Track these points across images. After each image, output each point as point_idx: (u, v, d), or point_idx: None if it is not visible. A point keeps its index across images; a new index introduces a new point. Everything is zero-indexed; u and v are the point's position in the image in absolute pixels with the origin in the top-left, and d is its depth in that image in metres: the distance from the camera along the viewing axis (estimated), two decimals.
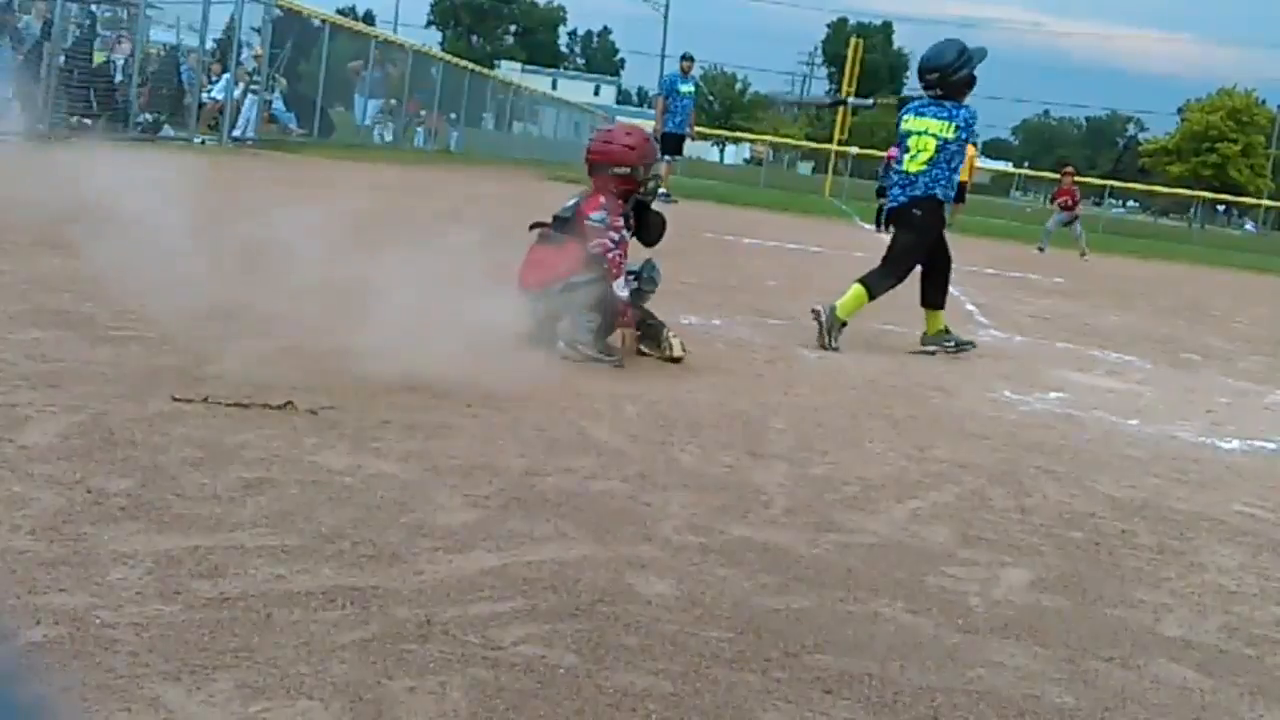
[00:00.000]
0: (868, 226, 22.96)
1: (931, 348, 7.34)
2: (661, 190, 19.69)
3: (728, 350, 6.52)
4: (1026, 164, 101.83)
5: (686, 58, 21.82)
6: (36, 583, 2.49)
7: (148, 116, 18.45)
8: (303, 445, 3.68)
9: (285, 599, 2.57)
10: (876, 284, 7.19)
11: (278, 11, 21.66)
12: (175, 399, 3.96)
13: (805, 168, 79.68)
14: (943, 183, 7.21)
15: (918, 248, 7.33)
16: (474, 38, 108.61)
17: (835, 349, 6.92)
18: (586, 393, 4.96)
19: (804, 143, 69.06)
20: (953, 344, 7.39)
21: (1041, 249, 22.25)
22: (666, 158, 19.84)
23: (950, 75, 7.16)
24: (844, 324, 7.04)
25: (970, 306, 10.51)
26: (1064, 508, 4.15)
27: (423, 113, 31.86)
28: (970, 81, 7.23)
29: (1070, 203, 23.13)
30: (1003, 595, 3.21)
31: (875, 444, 4.77)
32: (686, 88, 21.45)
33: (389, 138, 29.42)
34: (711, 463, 4.14)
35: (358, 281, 5.00)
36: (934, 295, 7.41)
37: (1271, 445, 5.80)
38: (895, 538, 3.58)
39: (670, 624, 2.72)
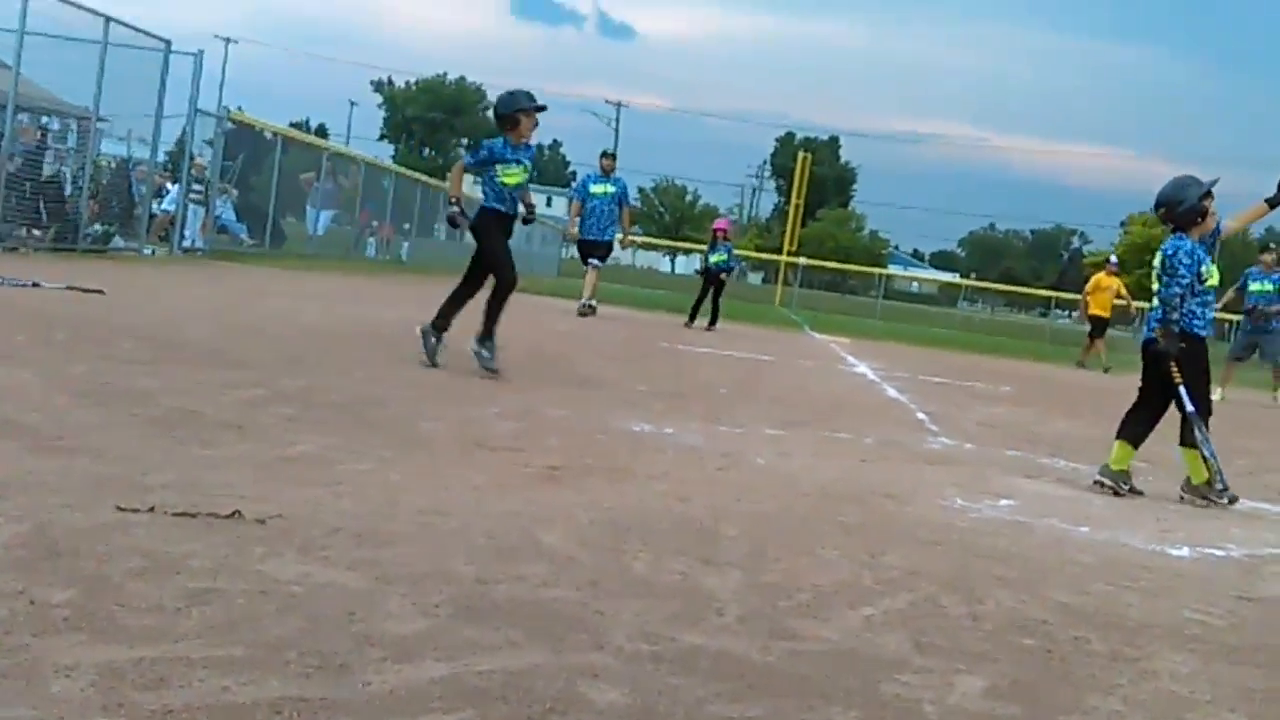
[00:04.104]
0: (818, 335, 23.18)
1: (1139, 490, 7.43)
2: (587, 300, 19.37)
3: (679, 457, 6.52)
4: (973, 275, 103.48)
5: (605, 155, 19.69)
6: None
7: (98, 228, 18.44)
8: (250, 554, 3.62)
9: (230, 711, 2.52)
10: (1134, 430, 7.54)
11: (230, 125, 21.83)
12: (120, 508, 3.90)
13: (755, 278, 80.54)
14: (1163, 312, 7.33)
15: (1151, 382, 7.71)
16: (426, 150, 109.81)
17: (1125, 491, 7.27)
18: (537, 499, 4.94)
19: (754, 254, 69.79)
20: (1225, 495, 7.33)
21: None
22: (589, 263, 18.84)
23: (1173, 209, 7.35)
24: (1123, 473, 7.35)
25: (920, 415, 10.59)
26: (1016, 614, 4.15)
27: (375, 223, 32.06)
28: (1193, 214, 7.29)
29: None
30: (957, 703, 3.19)
31: (828, 550, 4.76)
32: (601, 188, 18.95)
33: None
34: (664, 570, 4.12)
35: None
36: (1134, 429, 7.59)
37: (1220, 552, 5.84)
38: (849, 645, 3.57)
39: None
